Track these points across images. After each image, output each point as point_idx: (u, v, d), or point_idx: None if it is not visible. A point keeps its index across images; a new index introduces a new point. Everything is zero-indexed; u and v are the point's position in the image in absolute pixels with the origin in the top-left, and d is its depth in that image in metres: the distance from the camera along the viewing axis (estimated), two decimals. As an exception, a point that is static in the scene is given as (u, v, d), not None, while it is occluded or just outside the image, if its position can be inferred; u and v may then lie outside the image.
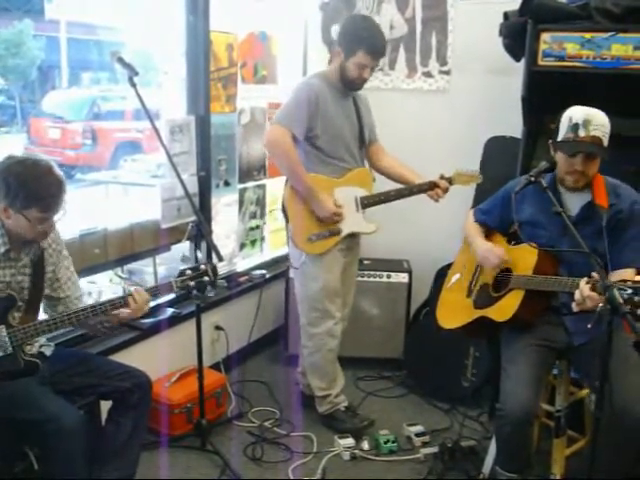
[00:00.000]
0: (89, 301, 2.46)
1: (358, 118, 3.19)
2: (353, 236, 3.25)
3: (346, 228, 3.13)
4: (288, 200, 3.09)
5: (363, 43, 2.97)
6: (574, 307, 2.21)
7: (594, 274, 2.14)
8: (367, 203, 3.17)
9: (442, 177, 3.21)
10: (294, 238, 3.12)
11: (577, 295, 2.18)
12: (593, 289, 2.12)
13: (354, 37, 3.00)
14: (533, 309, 2.51)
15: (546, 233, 2.53)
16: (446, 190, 3.21)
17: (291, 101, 3.03)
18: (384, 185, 3.30)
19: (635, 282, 1.93)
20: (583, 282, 2.17)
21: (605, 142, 2.36)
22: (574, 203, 2.44)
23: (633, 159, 3.08)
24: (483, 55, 3.82)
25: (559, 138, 2.41)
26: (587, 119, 2.34)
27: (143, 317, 2.55)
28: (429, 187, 3.20)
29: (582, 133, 2.34)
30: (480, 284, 2.75)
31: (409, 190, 3.22)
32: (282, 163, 3.07)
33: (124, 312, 2.37)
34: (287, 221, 3.14)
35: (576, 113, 2.37)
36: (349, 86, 3.10)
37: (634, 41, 2.82)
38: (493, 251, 2.65)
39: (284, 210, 3.14)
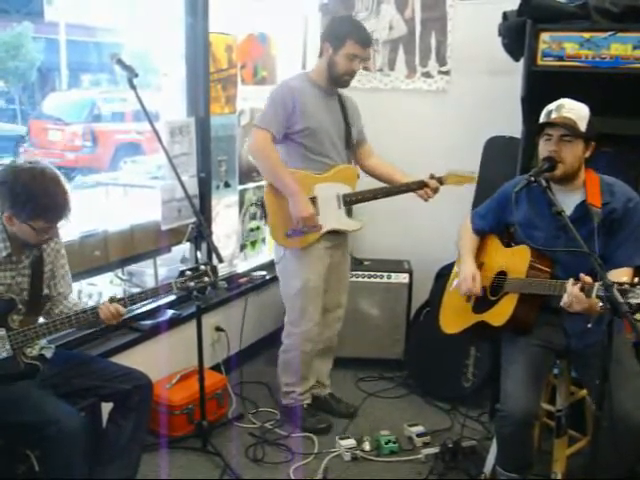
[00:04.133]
0: (89, 303, 2.46)
1: (345, 118, 3.18)
2: (338, 234, 3.22)
3: (326, 224, 3.11)
4: (266, 195, 3.09)
5: (351, 33, 2.98)
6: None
7: (582, 275, 2.15)
8: (350, 200, 3.14)
9: (432, 177, 3.18)
10: (272, 233, 3.13)
11: (565, 298, 2.18)
12: (582, 289, 2.12)
13: (341, 29, 3.01)
14: (529, 312, 2.50)
15: (541, 234, 2.52)
16: (436, 190, 3.17)
17: (267, 103, 3.06)
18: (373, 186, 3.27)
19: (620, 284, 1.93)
20: (570, 284, 2.17)
21: (580, 126, 2.38)
22: (567, 203, 2.41)
23: (633, 158, 3.08)
24: (482, 55, 3.81)
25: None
26: (560, 104, 2.42)
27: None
28: (418, 186, 3.17)
29: (554, 115, 2.41)
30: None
31: (397, 189, 3.20)
32: (263, 165, 3.11)
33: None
34: (265, 216, 3.13)
35: (552, 103, 2.45)
36: (338, 82, 3.09)
37: (633, 40, 2.82)
38: (468, 281, 2.64)
39: (262, 206, 3.13)
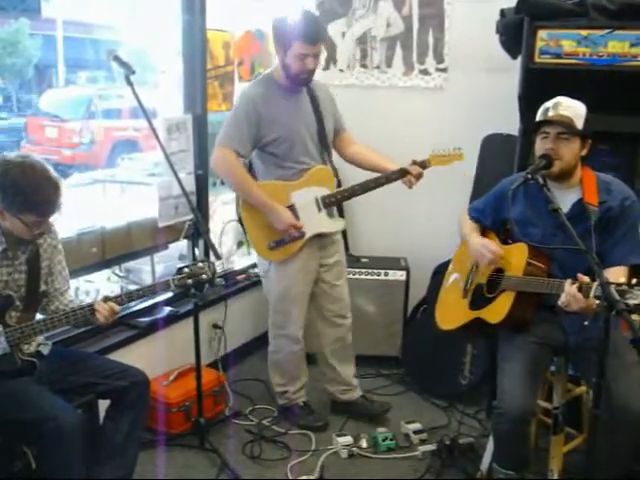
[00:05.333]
0: (87, 300, 2.46)
1: (316, 112, 3.07)
2: (324, 236, 3.17)
3: (309, 230, 3.05)
4: (243, 211, 3.05)
5: (296, 33, 2.86)
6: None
7: (580, 275, 2.15)
8: (329, 202, 3.07)
9: (414, 162, 3.08)
10: (255, 248, 3.10)
11: (563, 297, 2.19)
12: (580, 289, 2.13)
13: (286, 30, 2.90)
14: (526, 310, 2.50)
15: (538, 231, 2.52)
16: (419, 176, 3.06)
17: (230, 119, 2.99)
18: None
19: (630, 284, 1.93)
20: (568, 284, 2.18)
21: (577, 124, 2.38)
22: (564, 201, 2.42)
23: (629, 156, 3.09)
24: (480, 52, 3.81)
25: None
26: (557, 102, 2.43)
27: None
28: (399, 175, 3.07)
29: (551, 113, 2.41)
30: (475, 284, 2.74)
31: (376, 182, 3.08)
32: (230, 183, 3.08)
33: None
34: (244, 232, 3.10)
35: (549, 101, 2.45)
36: (297, 81, 2.97)
37: (630, 38, 2.83)
38: (487, 247, 2.61)
39: (240, 221, 3.09)
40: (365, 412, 3.43)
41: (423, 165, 3.09)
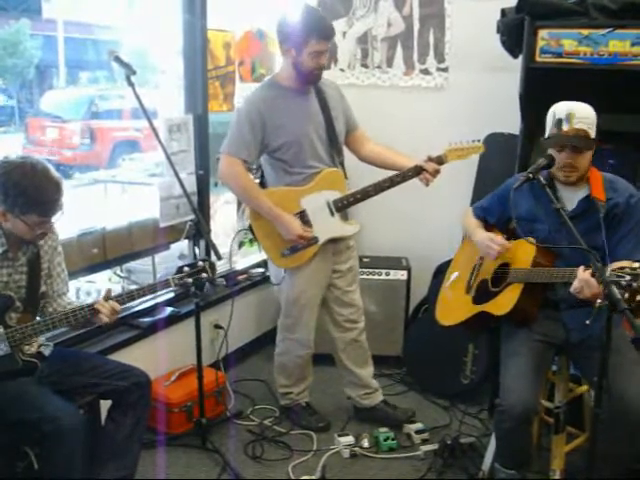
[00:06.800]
0: (88, 300, 2.46)
1: (324, 112, 3.01)
2: (338, 241, 3.13)
3: (322, 236, 3.01)
4: (252, 220, 3.02)
5: (312, 31, 2.81)
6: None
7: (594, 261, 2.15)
8: (341, 205, 3.01)
9: (430, 158, 2.97)
10: (268, 256, 3.07)
11: (576, 283, 2.20)
12: (593, 275, 2.14)
13: (300, 30, 2.82)
14: (532, 302, 2.51)
15: (544, 227, 2.53)
16: (435, 172, 2.96)
17: (233, 126, 2.94)
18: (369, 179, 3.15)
19: (633, 269, 1.94)
20: (581, 270, 2.19)
21: (591, 134, 2.37)
22: (571, 198, 2.45)
23: (631, 155, 3.09)
24: (481, 52, 3.81)
25: (546, 135, 2.45)
26: (570, 113, 2.37)
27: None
28: (415, 173, 2.97)
29: (566, 127, 2.37)
30: (479, 280, 2.74)
31: (391, 181, 2.98)
32: (237, 193, 3.10)
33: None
34: (257, 240, 3.08)
35: (559, 108, 2.40)
36: (308, 80, 2.92)
37: (631, 37, 2.82)
38: (494, 240, 2.61)
39: (251, 230, 3.06)
40: (388, 419, 3.36)
41: (439, 161, 2.98)
